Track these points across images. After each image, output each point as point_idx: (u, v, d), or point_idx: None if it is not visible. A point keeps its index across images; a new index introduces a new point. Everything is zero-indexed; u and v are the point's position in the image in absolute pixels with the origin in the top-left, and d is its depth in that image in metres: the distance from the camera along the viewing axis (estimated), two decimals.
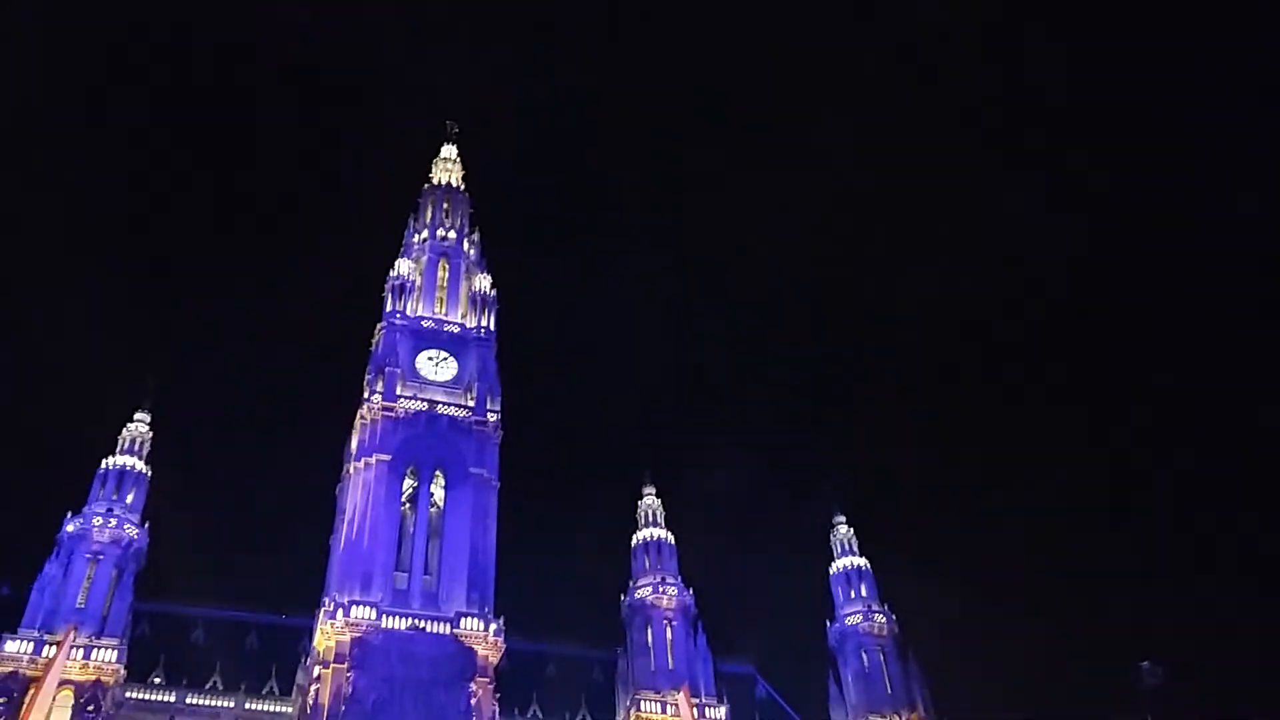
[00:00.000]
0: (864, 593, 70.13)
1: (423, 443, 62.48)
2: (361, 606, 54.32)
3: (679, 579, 66.32)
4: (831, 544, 73.67)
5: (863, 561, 72.00)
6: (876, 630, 67.71)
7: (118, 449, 60.89)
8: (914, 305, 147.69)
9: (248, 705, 56.20)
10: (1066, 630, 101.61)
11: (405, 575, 58.64)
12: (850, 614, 68.95)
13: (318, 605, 56.51)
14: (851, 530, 74.10)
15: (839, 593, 70.60)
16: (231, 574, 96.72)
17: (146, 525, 58.32)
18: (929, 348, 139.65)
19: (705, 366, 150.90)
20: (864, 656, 66.54)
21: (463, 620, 55.66)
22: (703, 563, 75.44)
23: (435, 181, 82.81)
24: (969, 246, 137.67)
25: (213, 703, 55.79)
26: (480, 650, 55.35)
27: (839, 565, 72.02)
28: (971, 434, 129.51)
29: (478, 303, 72.08)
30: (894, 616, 68.77)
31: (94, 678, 51.23)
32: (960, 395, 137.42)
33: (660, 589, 65.01)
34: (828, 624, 69.35)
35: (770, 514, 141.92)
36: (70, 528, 56.12)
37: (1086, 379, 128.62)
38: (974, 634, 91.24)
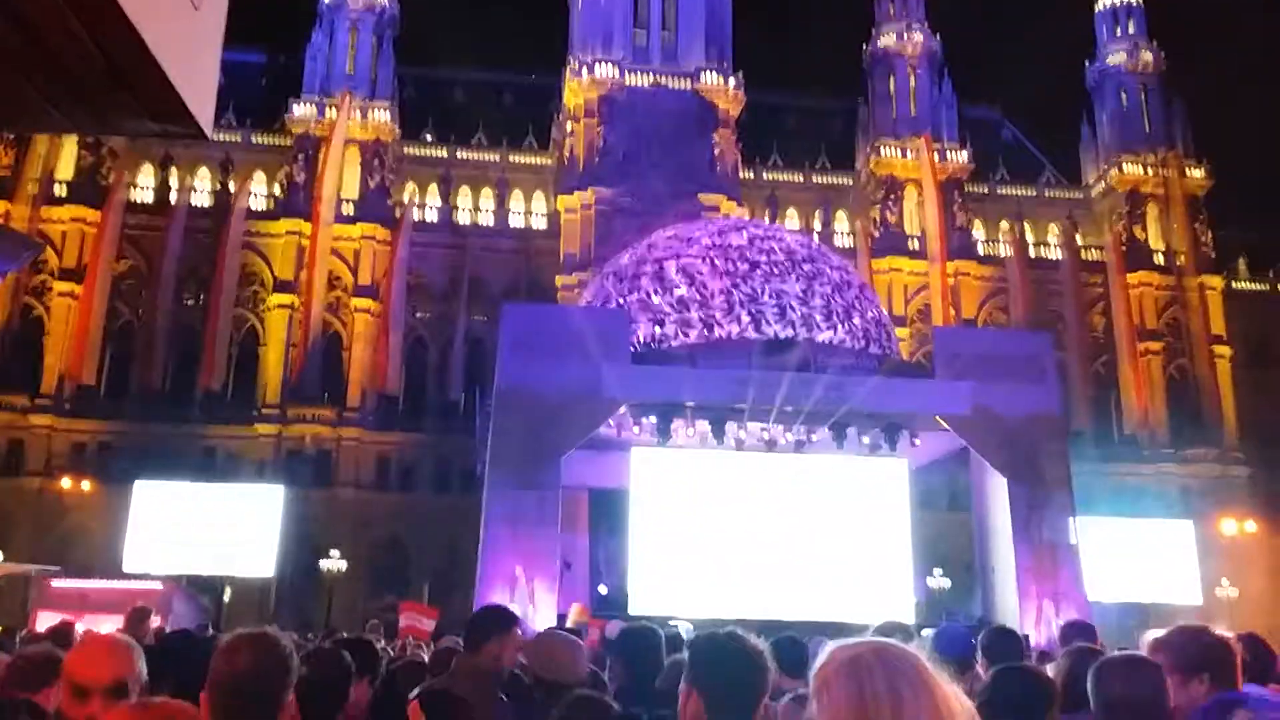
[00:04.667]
0: (1131, 29, 64.52)
1: None
2: (605, 64, 55.72)
3: (925, 24, 63.13)
4: None
5: None
6: (1141, 68, 63.11)
7: None
8: None
9: (511, 158, 60.74)
10: None
11: (644, 32, 58.84)
12: (1113, 52, 64.15)
13: (563, 64, 58.29)
14: None
15: (1103, 30, 65.25)
16: (480, 35, 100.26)
17: None
18: None
19: None
20: (1123, 96, 62.92)
21: (702, 74, 56.27)
22: (952, 5, 71.04)
23: None
24: None
25: (480, 156, 60.56)
26: (720, 104, 56.44)
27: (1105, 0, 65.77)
28: None
29: None
30: (1162, 54, 63.56)
31: (373, 137, 56.48)
32: None
33: (904, 36, 62.37)
34: (1087, 64, 65.13)
35: None
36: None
37: None
38: (1249, 77, 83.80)
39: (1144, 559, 34.51)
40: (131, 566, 30.08)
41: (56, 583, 23.56)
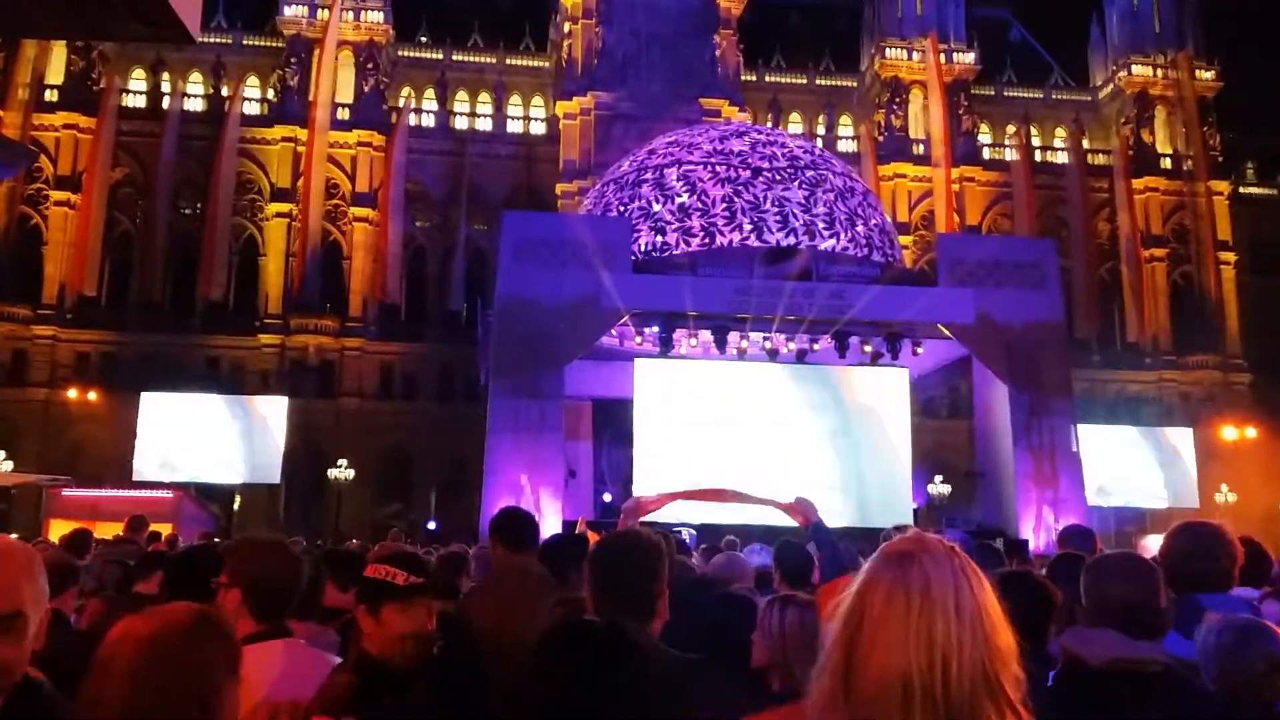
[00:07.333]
0: None
1: None
2: None
3: None
4: None
5: None
6: None
7: None
8: None
9: (508, 61, 59.46)
10: None
11: None
12: None
13: None
14: None
15: None
16: None
17: None
18: None
19: None
20: None
21: None
22: None
23: None
24: None
25: (476, 59, 59.25)
26: (723, 2, 55.12)
27: None
28: None
29: None
30: None
31: (367, 38, 55.22)
32: None
33: None
34: None
35: None
36: None
37: None
38: None
39: (1144, 466, 34.85)
40: (141, 475, 30.41)
41: (67, 492, 23.88)
